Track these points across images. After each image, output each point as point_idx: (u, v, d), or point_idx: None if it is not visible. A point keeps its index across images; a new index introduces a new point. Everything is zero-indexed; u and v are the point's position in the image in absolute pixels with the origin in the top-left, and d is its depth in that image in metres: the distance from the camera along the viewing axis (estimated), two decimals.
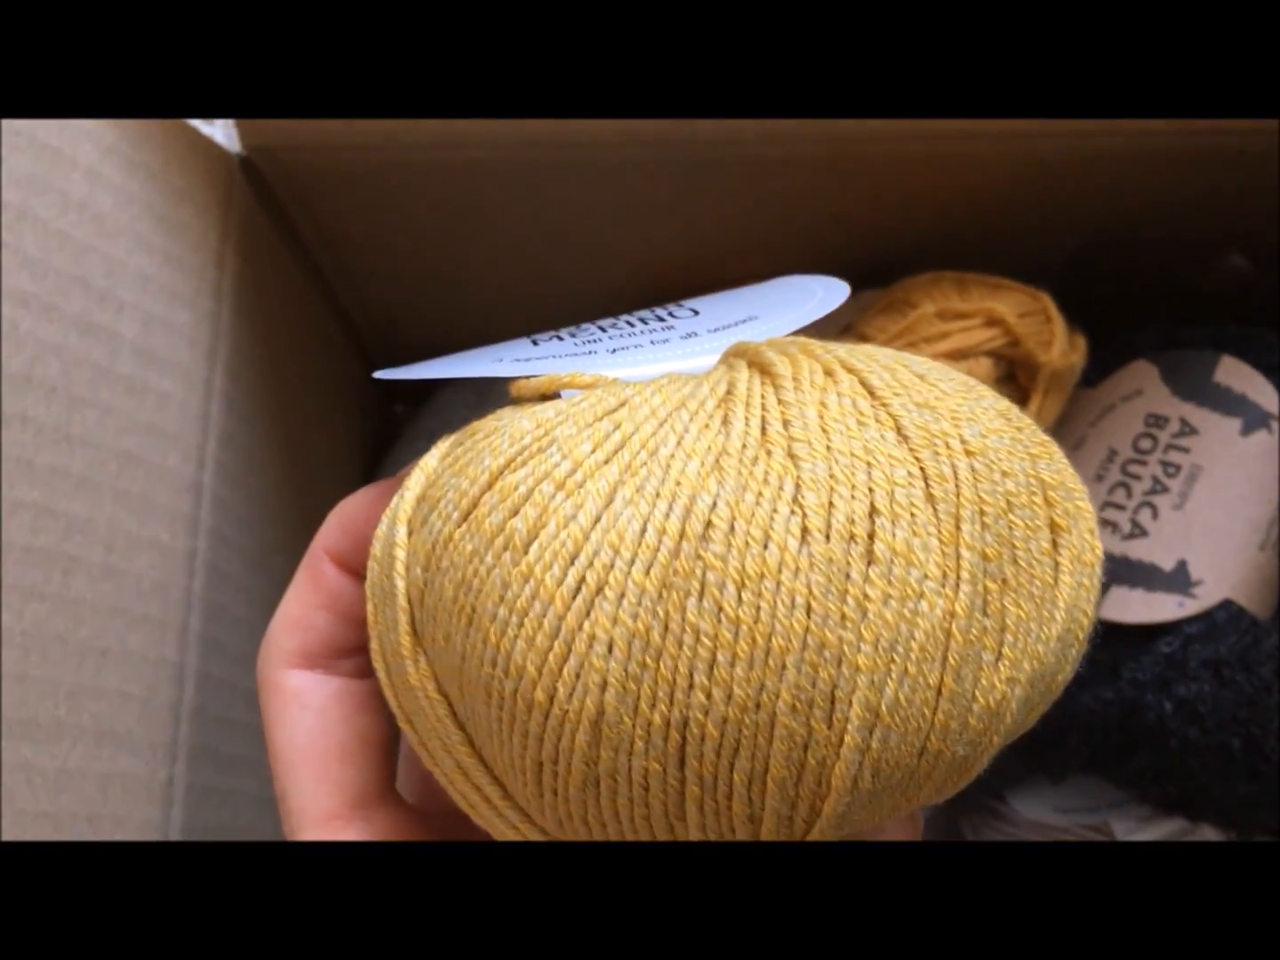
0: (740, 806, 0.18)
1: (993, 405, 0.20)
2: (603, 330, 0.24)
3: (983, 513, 0.18)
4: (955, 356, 0.34)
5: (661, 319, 0.25)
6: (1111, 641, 0.34)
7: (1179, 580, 0.34)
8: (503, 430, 0.20)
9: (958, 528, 0.18)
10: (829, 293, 0.24)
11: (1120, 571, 0.35)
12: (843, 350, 0.20)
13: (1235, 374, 0.36)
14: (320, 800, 0.22)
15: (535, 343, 0.24)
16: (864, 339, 0.37)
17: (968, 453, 0.18)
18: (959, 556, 0.18)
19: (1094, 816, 0.38)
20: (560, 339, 0.24)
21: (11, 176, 0.27)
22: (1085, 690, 0.34)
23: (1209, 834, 0.36)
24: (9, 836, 0.27)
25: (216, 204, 0.34)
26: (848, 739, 0.17)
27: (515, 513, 0.18)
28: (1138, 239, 0.40)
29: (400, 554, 0.20)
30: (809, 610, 0.17)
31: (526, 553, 0.18)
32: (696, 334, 0.23)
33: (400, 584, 0.19)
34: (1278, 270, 0.39)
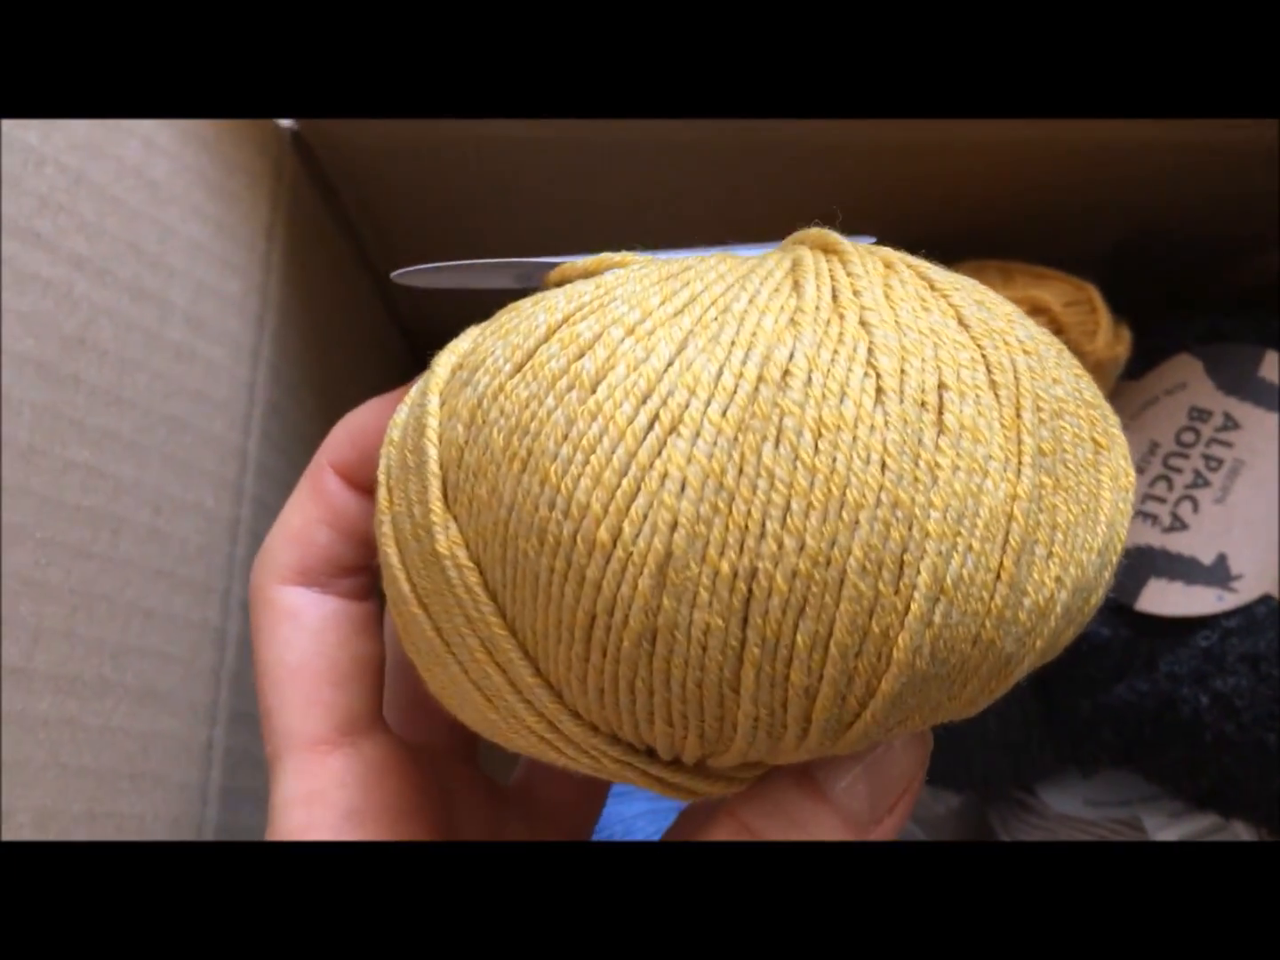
0: (799, 675, 0.17)
1: (1034, 324, 0.20)
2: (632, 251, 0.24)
3: (1039, 408, 0.18)
4: None
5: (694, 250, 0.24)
6: (1149, 634, 0.34)
7: (1219, 574, 0.34)
8: (556, 294, 0.19)
9: (1018, 415, 0.18)
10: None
11: (1159, 564, 0.34)
12: (896, 252, 0.20)
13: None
14: (308, 723, 0.21)
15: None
16: None
17: (1024, 351, 0.18)
18: (1020, 442, 0.17)
19: (1125, 811, 0.38)
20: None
21: (70, 140, 0.28)
22: (1120, 681, 0.34)
23: (1241, 830, 0.36)
24: (53, 791, 0.27)
25: (268, 176, 0.35)
26: (914, 607, 0.17)
27: (581, 355, 0.17)
28: (1181, 233, 0.40)
29: (433, 421, 0.19)
30: (884, 466, 0.17)
31: (594, 391, 0.17)
32: (735, 250, 0.23)
33: (432, 450, 0.19)
34: None
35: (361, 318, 0.45)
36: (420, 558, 0.19)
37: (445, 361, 0.20)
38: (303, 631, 0.22)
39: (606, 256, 0.20)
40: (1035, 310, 0.34)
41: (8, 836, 0.26)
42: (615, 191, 0.38)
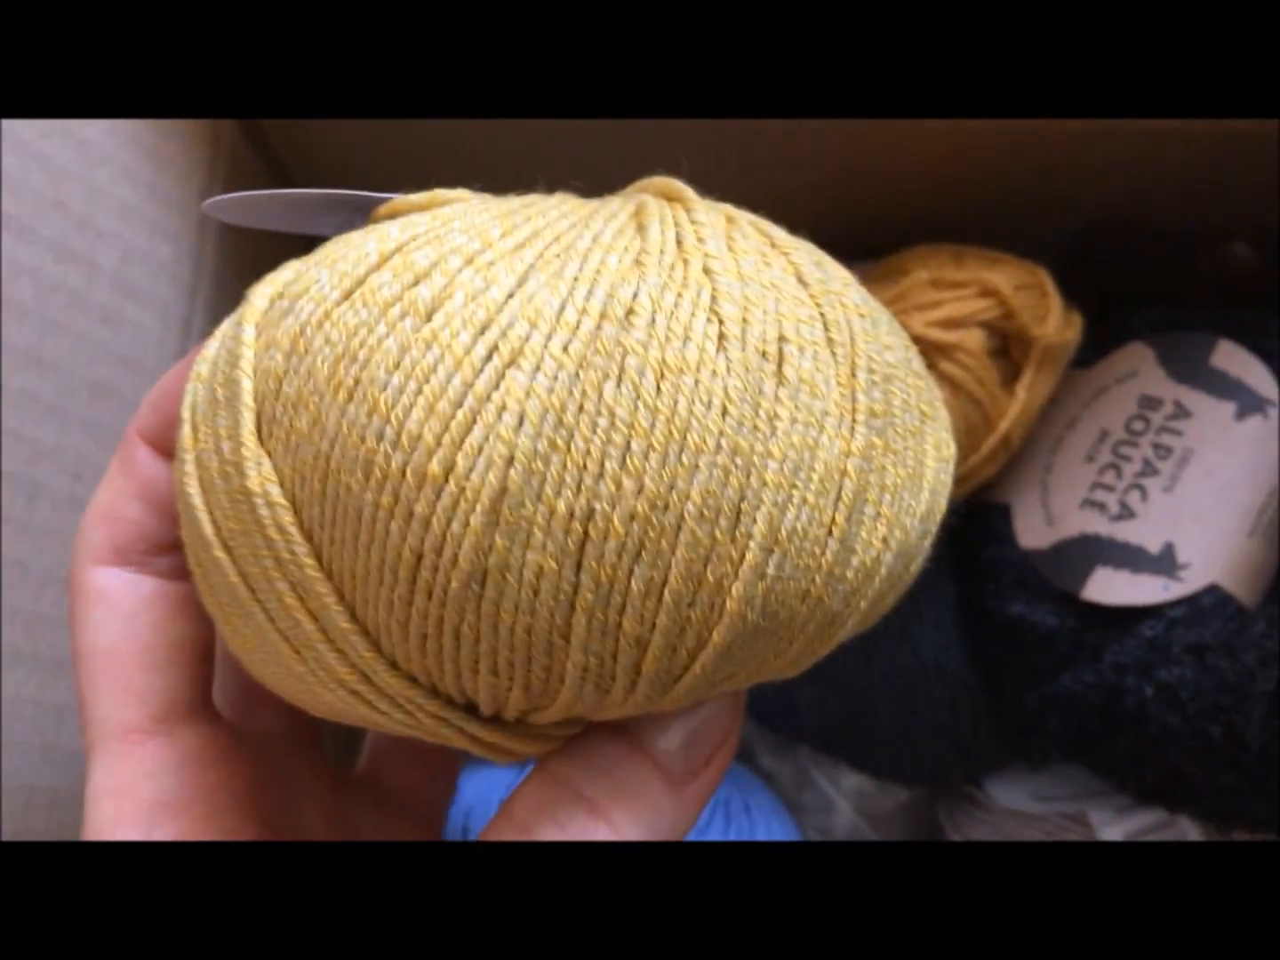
0: (631, 624, 0.17)
1: (867, 291, 0.20)
2: None
3: (871, 369, 0.18)
4: (947, 325, 0.33)
5: None
6: (1094, 623, 0.34)
7: (1165, 563, 0.33)
8: (388, 225, 0.18)
9: (853, 374, 0.18)
10: None
11: (1106, 552, 0.34)
12: (737, 208, 0.20)
13: (1232, 358, 0.35)
14: (121, 711, 0.20)
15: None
16: None
17: (860, 314, 0.19)
18: (854, 400, 0.18)
19: (1072, 806, 0.38)
20: None
21: None
22: (1065, 671, 0.34)
23: (1187, 826, 0.36)
24: None
25: (205, 140, 0.34)
26: (749, 557, 0.16)
27: (416, 283, 0.17)
28: (1140, 223, 0.39)
29: (247, 352, 0.18)
30: (725, 412, 0.16)
31: (430, 319, 0.17)
32: None
33: (246, 383, 0.18)
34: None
35: None
36: (227, 497, 0.18)
37: (263, 292, 0.19)
38: (115, 615, 0.21)
39: (440, 193, 0.20)
40: (986, 293, 0.34)
41: None
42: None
